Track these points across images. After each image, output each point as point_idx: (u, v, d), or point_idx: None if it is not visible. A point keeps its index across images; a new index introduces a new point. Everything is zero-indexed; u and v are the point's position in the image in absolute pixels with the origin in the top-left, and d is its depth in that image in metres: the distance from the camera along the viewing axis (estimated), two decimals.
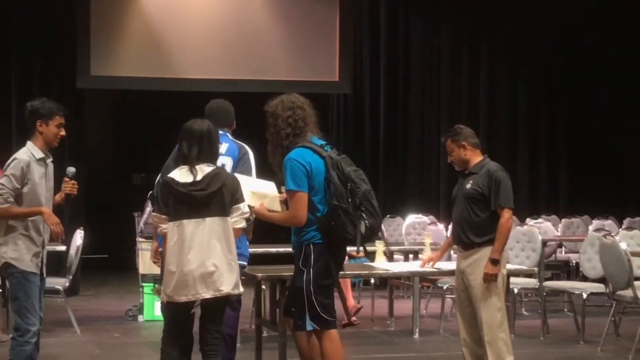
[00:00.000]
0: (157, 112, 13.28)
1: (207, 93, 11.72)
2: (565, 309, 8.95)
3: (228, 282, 4.49)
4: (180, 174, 4.51)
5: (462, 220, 5.50)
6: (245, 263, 5.25)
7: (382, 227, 9.81)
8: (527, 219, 10.29)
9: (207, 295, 4.46)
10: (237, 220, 4.54)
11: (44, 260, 5.00)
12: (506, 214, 5.36)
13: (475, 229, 5.42)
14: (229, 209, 4.50)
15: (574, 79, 12.72)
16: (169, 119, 8.37)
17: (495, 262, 5.34)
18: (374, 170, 12.30)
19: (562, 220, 11.13)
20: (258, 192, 4.83)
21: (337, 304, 4.98)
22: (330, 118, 12.43)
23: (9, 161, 4.85)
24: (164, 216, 4.53)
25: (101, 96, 12.59)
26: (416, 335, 7.76)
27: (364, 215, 4.56)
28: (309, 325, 4.74)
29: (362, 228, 4.55)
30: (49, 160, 5.02)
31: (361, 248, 4.64)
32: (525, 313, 9.00)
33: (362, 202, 4.57)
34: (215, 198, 4.47)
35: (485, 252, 5.37)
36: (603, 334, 7.15)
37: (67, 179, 5.06)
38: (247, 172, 5.18)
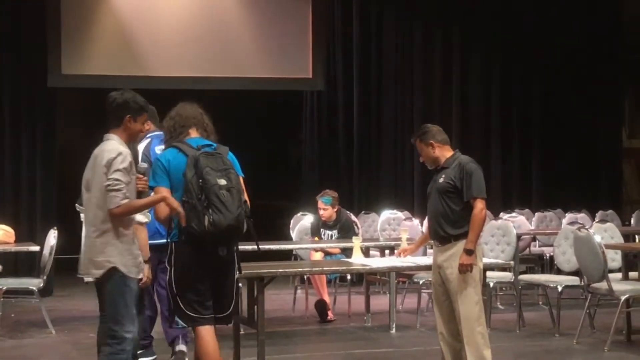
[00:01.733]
0: None
1: (180, 91, 11.67)
2: (541, 302, 9.01)
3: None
4: None
5: (437, 215, 5.51)
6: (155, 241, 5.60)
7: (357, 222, 9.84)
8: (501, 213, 10.35)
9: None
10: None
11: None
12: (479, 205, 5.36)
13: (451, 222, 5.44)
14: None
15: (548, 73, 12.81)
16: None
17: (469, 252, 5.35)
18: (348, 166, 12.31)
19: (536, 214, 11.20)
20: None
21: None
22: (304, 115, 12.41)
23: (113, 156, 4.54)
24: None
25: (73, 95, 12.48)
26: (393, 331, 7.77)
27: (210, 210, 4.60)
28: (178, 323, 4.85)
29: (206, 223, 4.59)
30: None
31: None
32: (500, 307, 9.04)
33: (209, 197, 4.62)
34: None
35: (462, 246, 5.39)
36: (578, 327, 7.20)
37: (140, 175, 4.79)
38: None
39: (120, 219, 4.52)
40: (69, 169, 8.50)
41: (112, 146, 4.60)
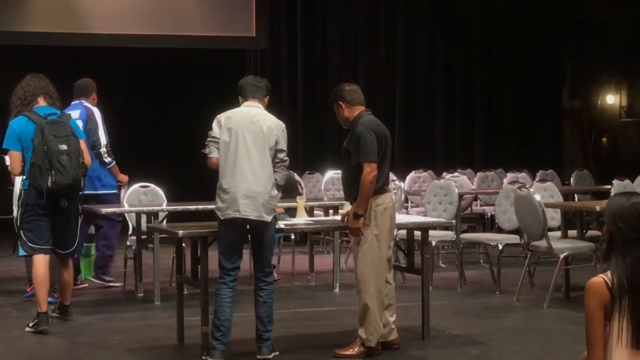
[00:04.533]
0: (69, 69, 12.90)
1: (121, 49, 11.48)
2: (482, 261, 9.13)
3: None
4: None
5: (344, 177, 5.58)
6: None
7: (302, 182, 9.82)
8: (444, 173, 10.43)
9: None
10: None
11: None
12: (367, 168, 5.25)
13: (353, 185, 5.38)
14: None
15: (491, 35, 12.88)
16: (81, 75, 8.15)
17: (356, 216, 5.29)
18: (293, 126, 12.25)
19: (478, 173, 11.31)
20: None
21: None
22: (247, 74, 12.24)
23: (284, 128, 5.31)
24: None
25: (7, 52, 12.16)
26: (337, 290, 7.82)
27: (52, 172, 5.82)
28: (20, 252, 6.17)
29: (49, 182, 5.83)
30: None
31: None
32: (442, 265, 9.15)
33: (51, 161, 5.84)
34: None
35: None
36: (518, 284, 7.32)
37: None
38: (94, 128, 7.59)
39: None
40: (4, 128, 8.34)
41: (276, 119, 5.31)
